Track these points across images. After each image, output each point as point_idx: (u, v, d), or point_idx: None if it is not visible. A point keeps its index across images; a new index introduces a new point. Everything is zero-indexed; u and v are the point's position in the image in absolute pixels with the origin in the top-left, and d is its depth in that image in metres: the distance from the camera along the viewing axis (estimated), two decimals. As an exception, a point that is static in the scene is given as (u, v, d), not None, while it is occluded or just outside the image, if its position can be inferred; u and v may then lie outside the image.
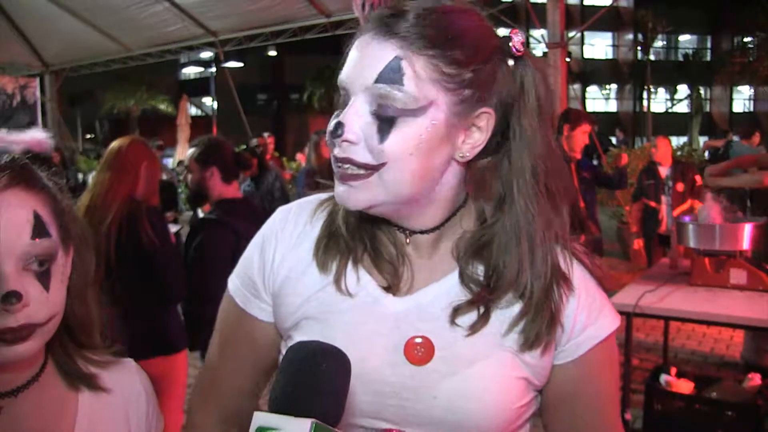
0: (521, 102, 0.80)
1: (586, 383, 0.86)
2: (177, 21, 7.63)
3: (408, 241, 0.85)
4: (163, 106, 24.47)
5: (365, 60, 0.76)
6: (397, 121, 0.75)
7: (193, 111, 23.73)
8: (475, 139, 0.79)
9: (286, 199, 4.70)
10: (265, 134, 7.42)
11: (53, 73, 10.05)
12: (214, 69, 18.83)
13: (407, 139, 0.75)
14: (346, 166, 0.77)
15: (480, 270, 0.83)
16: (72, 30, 8.02)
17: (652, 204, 5.36)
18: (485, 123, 0.79)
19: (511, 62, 0.80)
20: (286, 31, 7.64)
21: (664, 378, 3.19)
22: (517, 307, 0.82)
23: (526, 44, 0.82)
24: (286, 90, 27.68)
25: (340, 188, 0.79)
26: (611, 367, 0.89)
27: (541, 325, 0.81)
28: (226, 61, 10.07)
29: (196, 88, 24.13)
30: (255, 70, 24.45)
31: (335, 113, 0.80)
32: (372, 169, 0.76)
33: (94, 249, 0.88)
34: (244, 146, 6.31)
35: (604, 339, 0.85)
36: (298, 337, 0.87)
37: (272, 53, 19.73)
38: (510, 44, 0.80)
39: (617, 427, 0.90)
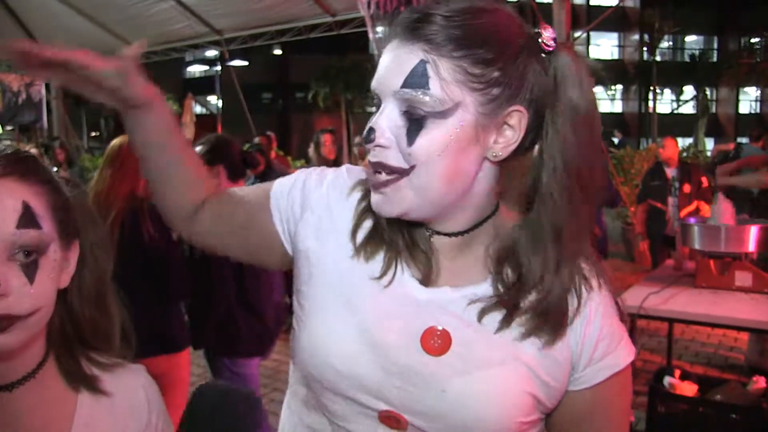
0: (555, 97, 0.79)
1: (599, 411, 0.86)
2: (182, 19, 7.63)
3: (431, 240, 0.86)
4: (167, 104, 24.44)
5: (393, 65, 0.77)
6: (426, 124, 0.75)
7: (198, 109, 23.75)
8: (508, 138, 0.79)
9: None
10: (268, 133, 7.42)
11: (58, 70, 10.05)
12: (219, 67, 18.88)
13: (435, 141, 0.75)
14: (379, 171, 0.78)
15: (509, 273, 0.84)
16: (77, 27, 8.02)
17: (659, 205, 5.31)
18: (517, 121, 0.78)
19: (543, 58, 0.79)
20: (291, 29, 7.62)
21: (667, 380, 3.16)
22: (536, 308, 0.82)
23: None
24: (290, 89, 27.64)
25: (375, 197, 0.81)
26: (626, 397, 0.89)
27: (547, 324, 0.81)
28: (231, 59, 10.08)
29: (201, 86, 24.15)
30: (260, 69, 24.43)
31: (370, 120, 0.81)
32: (402, 173, 0.77)
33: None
34: (248, 145, 6.30)
35: (621, 369, 0.85)
36: (312, 295, 0.88)
37: (277, 52, 19.75)
38: (540, 40, 0.79)
39: None
